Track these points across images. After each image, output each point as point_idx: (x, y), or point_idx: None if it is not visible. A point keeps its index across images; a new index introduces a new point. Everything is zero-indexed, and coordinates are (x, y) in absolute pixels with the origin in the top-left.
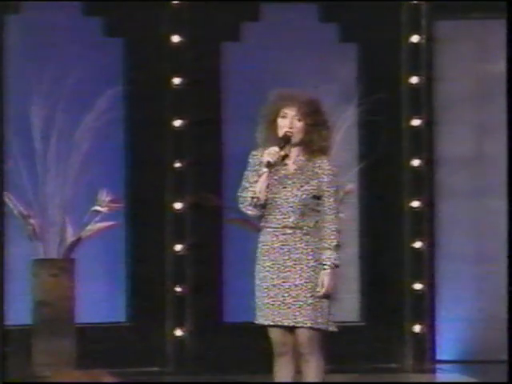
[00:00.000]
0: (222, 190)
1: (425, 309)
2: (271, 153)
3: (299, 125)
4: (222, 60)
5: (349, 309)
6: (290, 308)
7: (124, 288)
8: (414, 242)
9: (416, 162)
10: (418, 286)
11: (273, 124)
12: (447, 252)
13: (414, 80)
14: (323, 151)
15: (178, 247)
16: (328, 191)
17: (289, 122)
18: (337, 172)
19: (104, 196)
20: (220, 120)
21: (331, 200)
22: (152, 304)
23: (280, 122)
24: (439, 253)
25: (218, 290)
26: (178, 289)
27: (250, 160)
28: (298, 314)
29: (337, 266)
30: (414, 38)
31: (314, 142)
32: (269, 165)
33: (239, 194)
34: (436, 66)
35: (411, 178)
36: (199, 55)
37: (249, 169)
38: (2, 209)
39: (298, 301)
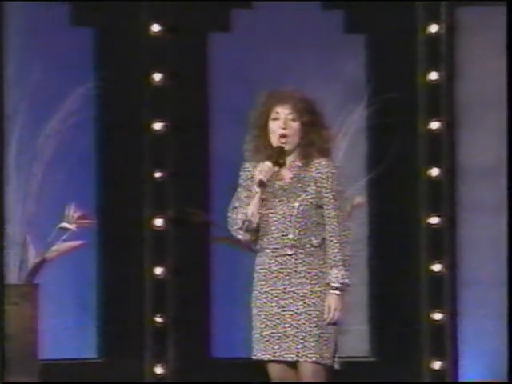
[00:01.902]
0: (210, 203)
1: (445, 342)
2: (264, 169)
3: (294, 125)
4: (209, 53)
5: (356, 342)
6: (292, 340)
7: (95, 318)
8: (432, 264)
9: (434, 172)
10: (437, 316)
11: (263, 130)
12: (470, 276)
13: (433, 76)
14: (323, 154)
15: (159, 270)
16: (327, 197)
17: (282, 122)
18: (338, 174)
19: (72, 211)
20: (207, 123)
21: (331, 207)
22: (128, 337)
23: (272, 125)
24: (461, 277)
25: (204, 321)
26: (159, 319)
27: (241, 173)
28: (300, 346)
29: (347, 286)
30: (432, 28)
31: (314, 144)
32: (261, 184)
33: (229, 214)
34: (458, 60)
35: (429, 191)
36: (183, 47)
37: (239, 184)
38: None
39: (301, 332)
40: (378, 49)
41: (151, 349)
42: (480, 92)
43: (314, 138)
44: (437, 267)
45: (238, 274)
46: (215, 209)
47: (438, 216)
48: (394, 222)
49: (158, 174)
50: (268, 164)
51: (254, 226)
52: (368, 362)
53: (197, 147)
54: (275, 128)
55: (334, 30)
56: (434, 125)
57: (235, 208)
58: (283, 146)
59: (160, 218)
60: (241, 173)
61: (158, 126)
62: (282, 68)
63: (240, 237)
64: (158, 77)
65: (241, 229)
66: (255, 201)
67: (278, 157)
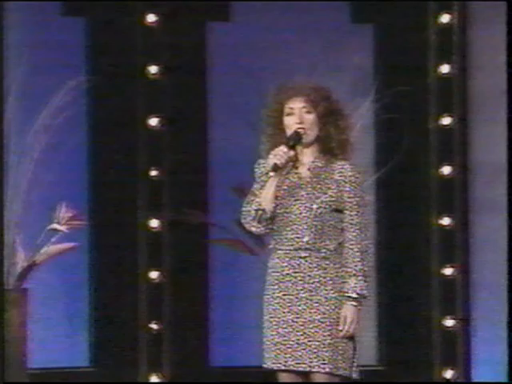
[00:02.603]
0: (208, 203)
1: (458, 350)
2: (278, 154)
3: (310, 118)
4: (208, 44)
5: (364, 350)
6: (304, 349)
7: (87, 325)
8: (443, 268)
9: (446, 170)
10: (449, 323)
11: (279, 127)
12: (484, 280)
13: (445, 69)
14: (343, 148)
15: (154, 274)
16: (350, 203)
17: (297, 117)
18: (362, 179)
19: (62, 212)
20: (206, 118)
21: (354, 213)
22: (122, 345)
23: (286, 121)
24: (474, 281)
25: (202, 327)
26: (154, 326)
27: (256, 170)
28: (314, 356)
29: (364, 297)
30: (444, 18)
31: (332, 137)
32: (276, 168)
33: (243, 209)
34: (471, 52)
35: (440, 190)
36: (180, 38)
37: (256, 181)
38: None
39: (315, 340)
40: (386, 40)
41: (146, 357)
42: (494, 85)
43: (331, 130)
44: (448, 271)
45: (237, 278)
46: (214, 209)
47: (450, 217)
48: (403, 224)
49: (153, 173)
50: (283, 148)
51: (269, 215)
52: (377, 370)
53: (195, 144)
54: (291, 124)
55: (341, 20)
56: (446, 120)
57: (249, 202)
58: (299, 131)
59: (155, 218)
60: (256, 169)
61: (153, 121)
62: (285, 60)
63: (254, 229)
64: (153, 69)
65: (254, 219)
66: (269, 189)
67: (295, 140)
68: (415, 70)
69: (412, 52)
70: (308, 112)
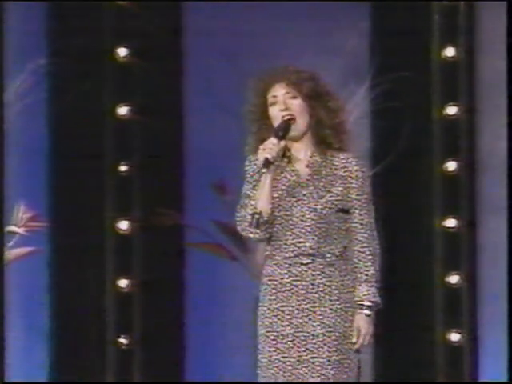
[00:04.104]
0: (184, 202)
1: (464, 366)
2: (268, 147)
3: (296, 103)
4: (184, 24)
5: (352, 365)
6: (307, 367)
7: (47, 338)
8: (448, 275)
9: (451, 166)
10: (454, 337)
11: (264, 122)
12: (493, 290)
13: (449, 52)
14: (338, 134)
15: (123, 283)
16: (358, 200)
17: (282, 104)
18: (368, 173)
19: (20, 212)
20: (181, 106)
21: (364, 212)
22: (86, 361)
23: (271, 111)
24: (483, 290)
25: (177, 342)
26: (123, 340)
27: (247, 168)
28: (317, 375)
29: (378, 306)
30: None
31: (324, 122)
32: (267, 163)
33: (237, 214)
34: (479, 33)
35: (445, 188)
36: (152, 17)
37: (246, 180)
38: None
39: (319, 357)
40: (384, 19)
41: (114, 375)
42: (505, 71)
43: (322, 114)
44: (454, 279)
45: (216, 287)
46: (190, 209)
47: (456, 218)
48: (404, 226)
49: (122, 168)
50: (272, 140)
51: (266, 218)
52: None
53: (169, 135)
54: (276, 113)
55: None
56: (451, 110)
57: (244, 205)
58: (288, 117)
59: (125, 219)
60: (246, 168)
61: (122, 110)
62: (272, 41)
63: (251, 235)
64: (122, 52)
65: (250, 225)
66: (264, 188)
67: (284, 130)
68: (416, 54)
69: (413, 33)
70: (293, 97)
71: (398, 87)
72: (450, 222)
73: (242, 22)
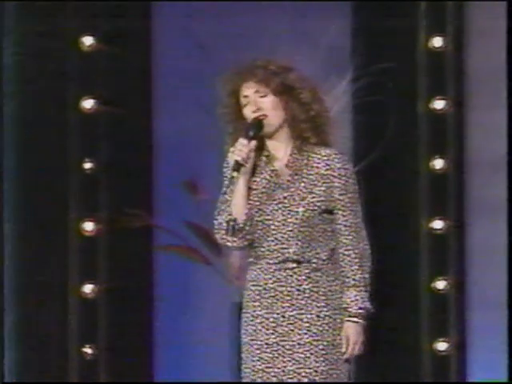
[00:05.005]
0: (154, 202)
1: (451, 376)
2: (237, 148)
3: (267, 101)
4: (153, 12)
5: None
6: (292, 378)
7: (6, 347)
8: (434, 280)
9: (438, 164)
10: (441, 346)
11: (240, 121)
12: (483, 295)
13: (437, 42)
14: (315, 128)
15: (88, 288)
16: (342, 200)
17: (253, 106)
18: (352, 170)
19: None
20: (150, 99)
21: (348, 213)
22: (48, 372)
23: (245, 112)
24: (471, 297)
25: (145, 351)
26: (88, 350)
27: (225, 169)
28: None
29: (368, 311)
30: None
31: (298, 116)
32: (238, 166)
33: (214, 221)
34: (468, 23)
35: (431, 187)
36: (119, 4)
37: (224, 184)
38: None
39: (305, 367)
40: (367, 7)
41: None
42: (496, 63)
43: (295, 108)
44: (440, 284)
45: (187, 292)
46: (160, 209)
47: (443, 220)
48: (387, 228)
49: (87, 165)
50: (242, 141)
51: (242, 225)
52: None
53: (137, 130)
54: (249, 114)
55: None
56: (438, 104)
57: (221, 211)
58: (259, 117)
59: (90, 220)
60: (224, 169)
61: (87, 103)
62: (247, 32)
63: (229, 244)
64: (88, 41)
65: (227, 233)
66: (238, 193)
67: (255, 129)
68: (401, 44)
69: (397, 22)
70: (263, 95)
71: (381, 80)
72: (437, 224)
73: (218, 16)
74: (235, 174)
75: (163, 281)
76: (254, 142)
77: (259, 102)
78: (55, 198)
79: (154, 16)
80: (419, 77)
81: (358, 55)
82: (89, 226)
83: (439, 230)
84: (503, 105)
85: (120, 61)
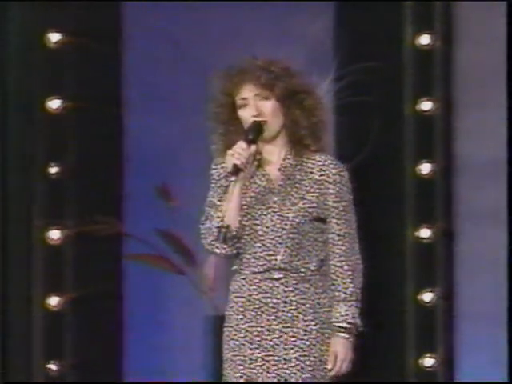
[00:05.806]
0: (123, 209)
1: None
2: (236, 152)
3: (269, 105)
4: (123, 8)
5: None
6: None
7: None
8: (421, 292)
9: (425, 168)
10: (427, 362)
11: (232, 123)
12: (472, 307)
13: (424, 40)
14: (315, 135)
15: (53, 301)
16: (336, 208)
17: (253, 108)
18: (347, 177)
19: None
20: (120, 100)
21: (341, 222)
22: None
23: (241, 114)
24: (460, 309)
25: (114, 366)
26: (53, 366)
27: (213, 171)
28: None
29: (358, 327)
30: None
31: (300, 122)
32: (236, 170)
33: (200, 226)
34: (456, 19)
35: (418, 193)
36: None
37: (211, 186)
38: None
39: None
40: (350, 4)
41: None
42: (486, 62)
43: (297, 114)
44: (427, 296)
45: (159, 303)
46: (130, 216)
47: (430, 228)
48: (371, 237)
49: (53, 170)
50: (241, 144)
51: (234, 233)
52: None
53: (106, 132)
54: (247, 117)
55: None
56: (426, 105)
57: (210, 216)
58: (259, 122)
59: (56, 228)
60: (212, 171)
61: (53, 103)
62: (223, 29)
63: (218, 251)
64: (55, 37)
65: (217, 239)
66: (232, 198)
67: (255, 133)
68: (387, 41)
69: (383, 19)
70: (265, 98)
71: (365, 79)
72: (424, 232)
73: (196, 11)
74: (233, 178)
75: (133, 292)
76: (254, 147)
77: (260, 106)
78: (19, 204)
79: (123, 9)
80: (405, 76)
81: (341, 53)
82: (54, 235)
83: (426, 238)
84: (495, 105)
85: (88, 58)
